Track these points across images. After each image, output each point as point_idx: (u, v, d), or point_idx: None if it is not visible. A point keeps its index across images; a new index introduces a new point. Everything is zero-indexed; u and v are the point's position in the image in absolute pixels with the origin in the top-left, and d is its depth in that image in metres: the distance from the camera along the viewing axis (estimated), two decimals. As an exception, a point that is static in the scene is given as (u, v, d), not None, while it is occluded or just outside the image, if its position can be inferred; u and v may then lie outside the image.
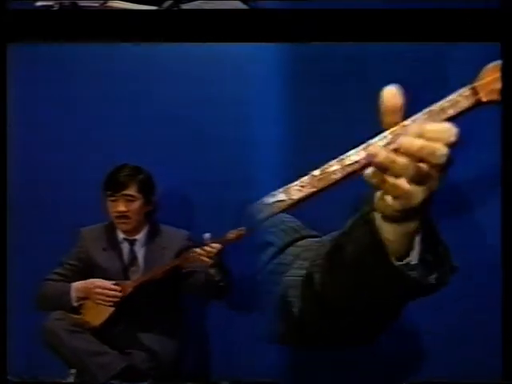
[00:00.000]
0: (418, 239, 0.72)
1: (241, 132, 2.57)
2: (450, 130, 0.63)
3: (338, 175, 0.68)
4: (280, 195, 0.69)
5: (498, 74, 0.63)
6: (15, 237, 2.08)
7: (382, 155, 0.64)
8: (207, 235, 2.24)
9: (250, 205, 0.71)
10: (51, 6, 2.07)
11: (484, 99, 0.64)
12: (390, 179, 0.65)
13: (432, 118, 0.65)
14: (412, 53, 2.35)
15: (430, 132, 0.63)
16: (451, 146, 0.63)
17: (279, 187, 0.70)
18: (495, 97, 0.63)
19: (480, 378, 2.29)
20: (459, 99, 0.64)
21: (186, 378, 2.41)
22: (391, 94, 0.65)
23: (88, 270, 2.40)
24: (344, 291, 0.78)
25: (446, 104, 0.65)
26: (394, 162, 0.64)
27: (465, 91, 0.64)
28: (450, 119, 0.65)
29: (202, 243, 2.25)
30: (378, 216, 0.71)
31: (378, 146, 0.66)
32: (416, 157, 0.64)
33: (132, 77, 2.67)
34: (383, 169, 0.65)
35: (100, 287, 2.31)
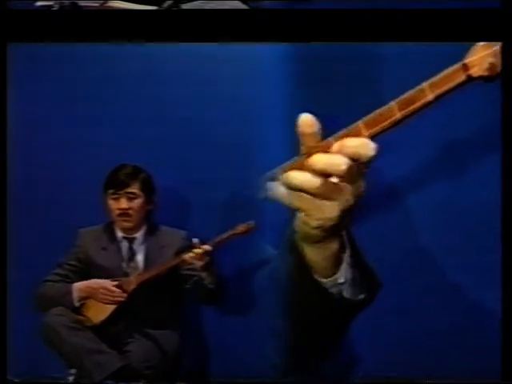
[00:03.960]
0: (344, 257, 0.72)
1: (241, 132, 2.57)
2: (368, 145, 0.64)
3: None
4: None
5: (489, 51, 0.63)
6: (15, 237, 2.08)
7: (290, 176, 0.65)
8: (195, 240, 2.26)
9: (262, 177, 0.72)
10: (51, 6, 2.07)
11: (475, 75, 0.63)
12: (302, 197, 0.66)
13: (414, 99, 0.65)
14: (412, 53, 2.35)
15: (347, 147, 0.64)
16: (369, 160, 0.64)
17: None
18: (486, 73, 0.63)
19: (480, 378, 2.29)
20: (450, 75, 0.64)
21: (184, 378, 2.42)
22: (307, 121, 0.67)
23: (87, 269, 2.41)
24: (287, 313, 0.79)
25: (437, 80, 0.65)
26: (298, 179, 0.65)
27: (456, 67, 0.64)
28: (441, 96, 0.65)
29: (193, 246, 2.27)
30: (299, 239, 0.71)
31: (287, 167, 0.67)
32: (322, 172, 0.64)
33: (132, 77, 2.67)
34: (293, 188, 0.65)
35: (105, 288, 2.32)
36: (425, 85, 0.65)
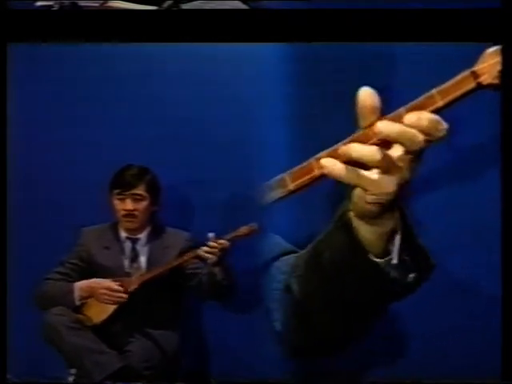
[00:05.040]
0: (397, 238, 0.72)
1: (241, 132, 2.57)
2: (440, 124, 0.63)
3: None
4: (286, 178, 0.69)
5: (498, 58, 0.63)
6: (15, 237, 2.08)
7: (352, 148, 0.64)
8: (211, 234, 2.25)
9: (261, 185, 0.72)
10: (51, 6, 2.07)
11: (484, 83, 0.63)
12: (361, 172, 0.65)
13: (428, 102, 0.65)
14: (413, 53, 2.35)
15: (423, 120, 0.63)
16: (439, 139, 0.63)
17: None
18: (496, 80, 0.63)
19: (480, 378, 2.29)
20: (460, 82, 0.64)
21: (184, 378, 2.42)
22: (367, 95, 0.66)
23: (89, 268, 2.42)
24: (323, 299, 0.78)
25: (446, 88, 0.64)
26: (361, 152, 0.64)
27: (465, 74, 0.64)
28: (450, 104, 0.64)
29: (205, 242, 2.27)
30: (354, 217, 0.71)
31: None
32: (394, 141, 0.63)
33: (131, 77, 2.67)
34: (353, 162, 0.65)
35: (106, 288, 2.32)
36: (434, 91, 0.65)
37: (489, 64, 0.63)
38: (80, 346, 2.21)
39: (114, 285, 2.33)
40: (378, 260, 0.71)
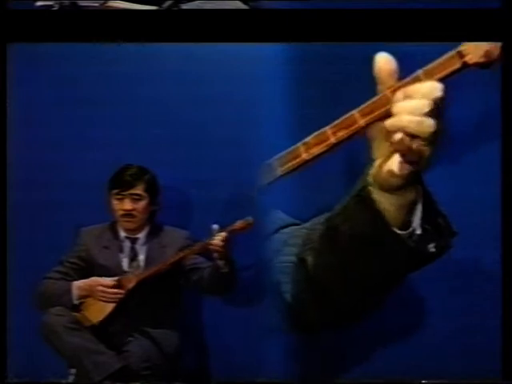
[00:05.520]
0: (418, 209, 0.71)
1: (240, 132, 2.57)
2: (434, 86, 0.63)
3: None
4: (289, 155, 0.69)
5: None
6: (15, 237, 2.08)
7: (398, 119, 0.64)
8: (215, 226, 2.26)
9: (263, 164, 0.72)
10: (51, 6, 2.07)
11: (470, 62, 0.63)
12: (404, 140, 0.64)
13: (419, 82, 0.65)
14: (412, 53, 2.35)
15: (416, 92, 0.63)
16: (438, 101, 0.63)
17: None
18: (482, 59, 0.63)
19: (480, 378, 2.29)
20: (445, 62, 0.64)
21: (184, 378, 2.42)
22: (384, 60, 0.66)
23: (88, 268, 2.42)
24: (341, 272, 0.77)
25: (432, 68, 0.64)
26: (422, 121, 0.63)
27: (451, 54, 0.64)
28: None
29: (210, 234, 2.28)
30: (374, 189, 0.71)
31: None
32: (407, 133, 0.63)
33: (131, 77, 2.67)
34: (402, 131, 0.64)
35: (104, 285, 2.32)
36: (420, 72, 0.65)
37: (474, 44, 0.63)
38: (79, 347, 2.21)
39: (112, 283, 2.33)
40: (401, 232, 0.71)
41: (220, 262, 2.30)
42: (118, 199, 2.39)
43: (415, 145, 0.64)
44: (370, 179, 0.71)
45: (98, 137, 2.67)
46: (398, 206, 0.71)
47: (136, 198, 2.39)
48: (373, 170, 0.70)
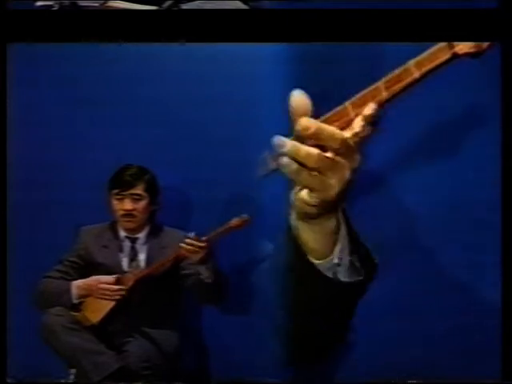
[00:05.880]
0: (339, 239, 0.71)
1: (241, 132, 2.57)
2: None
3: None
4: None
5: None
6: (15, 236, 2.08)
7: (289, 145, 0.65)
8: (191, 234, 2.28)
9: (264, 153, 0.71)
10: (51, 6, 2.07)
11: (460, 52, 0.63)
12: (304, 171, 0.65)
13: (401, 77, 0.65)
14: (412, 53, 2.35)
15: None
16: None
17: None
18: (472, 49, 0.63)
19: (480, 378, 2.29)
20: (436, 53, 0.64)
21: (183, 378, 2.42)
22: (298, 99, 0.67)
23: (88, 267, 2.42)
24: (288, 307, 0.77)
25: (422, 59, 0.65)
26: (299, 150, 0.64)
27: (441, 45, 0.64)
28: (426, 75, 0.64)
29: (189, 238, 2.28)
30: (295, 219, 0.71)
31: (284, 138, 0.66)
32: (316, 139, 0.64)
33: (131, 77, 2.67)
34: (292, 158, 0.65)
35: (104, 283, 2.32)
36: (411, 63, 0.65)
37: None
38: (78, 347, 2.21)
39: (112, 280, 2.33)
40: (317, 261, 0.70)
41: (200, 268, 2.29)
42: (118, 199, 2.40)
43: (305, 173, 0.65)
44: (291, 209, 0.71)
45: (98, 137, 2.67)
46: (319, 235, 0.70)
47: (136, 198, 2.39)
48: (293, 201, 0.70)
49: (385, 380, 2.47)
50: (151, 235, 2.47)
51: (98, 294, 2.32)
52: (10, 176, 1.40)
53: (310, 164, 0.64)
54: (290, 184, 0.69)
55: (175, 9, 2.10)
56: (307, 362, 0.90)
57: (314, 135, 0.64)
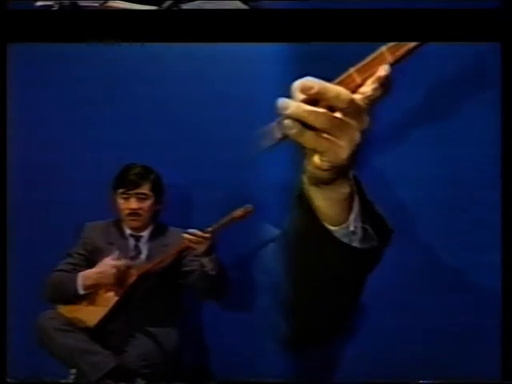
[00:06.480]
0: (354, 205, 0.70)
1: (241, 132, 2.56)
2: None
3: None
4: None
5: None
6: (15, 237, 2.08)
7: (293, 106, 0.64)
8: (192, 230, 2.28)
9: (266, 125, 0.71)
10: (51, 6, 2.07)
11: None
12: (310, 132, 0.64)
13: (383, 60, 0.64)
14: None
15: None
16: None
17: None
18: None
19: (480, 378, 2.29)
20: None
21: (183, 377, 2.42)
22: (305, 80, 0.67)
23: (94, 261, 2.41)
24: (298, 280, 0.76)
25: (395, 44, 0.65)
26: (304, 110, 0.63)
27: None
28: (400, 60, 0.64)
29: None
30: (307, 185, 0.70)
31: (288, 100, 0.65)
32: (321, 99, 0.63)
33: (131, 77, 2.67)
34: (297, 120, 0.63)
35: (115, 265, 2.31)
36: (383, 49, 0.65)
37: None
38: (72, 348, 2.21)
39: (122, 265, 2.32)
40: (332, 228, 0.70)
41: (204, 260, 2.30)
42: (124, 198, 2.41)
43: (311, 134, 0.63)
44: (303, 175, 0.70)
45: (98, 137, 2.67)
46: (332, 201, 0.69)
47: (142, 198, 2.40)
48: (304, 166, 0.69)
49: (385, 380, 2.47)
50: (155, 234, 2.48)
51: (110, 278, 2.30)
52: (10, 176, 1.40)
53: (318, 124, 0.63)
54: (299, 152, 0.67)
55: (175, 9, 2.10)
56: (315, 343, 0.89)
57: (318, 95, 0.63)
